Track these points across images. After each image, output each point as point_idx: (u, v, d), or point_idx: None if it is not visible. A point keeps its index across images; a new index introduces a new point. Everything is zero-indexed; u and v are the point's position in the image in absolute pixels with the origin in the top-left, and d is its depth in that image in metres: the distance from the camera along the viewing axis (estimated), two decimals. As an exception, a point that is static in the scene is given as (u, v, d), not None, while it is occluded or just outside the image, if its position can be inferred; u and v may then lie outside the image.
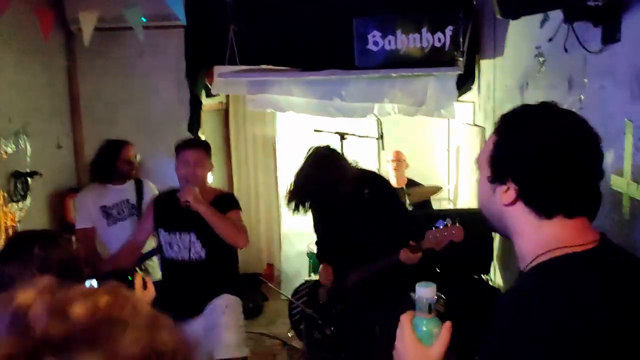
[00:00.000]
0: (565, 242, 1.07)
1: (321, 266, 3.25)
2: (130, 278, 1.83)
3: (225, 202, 3.10)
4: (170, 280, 3.12)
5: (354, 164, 3.05)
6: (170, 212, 3.00)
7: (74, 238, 3.29)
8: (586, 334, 0.95)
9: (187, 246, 2.99)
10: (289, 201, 3.01)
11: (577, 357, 0.95)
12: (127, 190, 3.58)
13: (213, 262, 3.02)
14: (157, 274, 3.41)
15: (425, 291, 1.13)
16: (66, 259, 1.68)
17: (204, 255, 3.01)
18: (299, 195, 2.99)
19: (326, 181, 2.87)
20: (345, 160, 3.06)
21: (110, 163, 3.49)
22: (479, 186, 1.21)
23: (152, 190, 3.65)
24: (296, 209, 3.01)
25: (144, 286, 1.85)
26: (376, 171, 3.16)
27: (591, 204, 1.12)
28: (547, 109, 1.14)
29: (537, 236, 1.10)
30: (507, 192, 1.11)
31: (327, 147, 3.08)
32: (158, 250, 3.25)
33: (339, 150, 3.58)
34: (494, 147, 1.14)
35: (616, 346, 0.96)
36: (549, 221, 1.09)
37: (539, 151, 1.07)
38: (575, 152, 1.07)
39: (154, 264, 3.58)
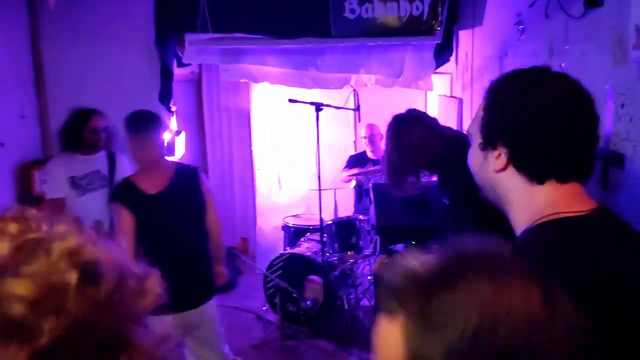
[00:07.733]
0: (559, 207, 1.02)
1: None
2: None
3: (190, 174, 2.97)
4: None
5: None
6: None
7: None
8: (582, 291, 0.89)
9: None
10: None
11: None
12: (97, 161, 3.48)
13: None
14: None
15: None
16: None
17: None
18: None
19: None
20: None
21: (77, 132, 3.39)
22: (472, 155, 1.16)
23: (125, 163, 3.53)
24: None
25: None
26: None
27: (585, 169, 1.07)
28: (539, 71, 1.08)
29: (530, 203, 1.06)
30: (498, 158, 1.07)
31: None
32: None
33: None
34: (484, 113, 1.09)
35: (608, 312, 0.91)
36: (540, 187, 1.05)
37: (528, 112, 1.02)
38: (566, 114, 1.02)
39: None
